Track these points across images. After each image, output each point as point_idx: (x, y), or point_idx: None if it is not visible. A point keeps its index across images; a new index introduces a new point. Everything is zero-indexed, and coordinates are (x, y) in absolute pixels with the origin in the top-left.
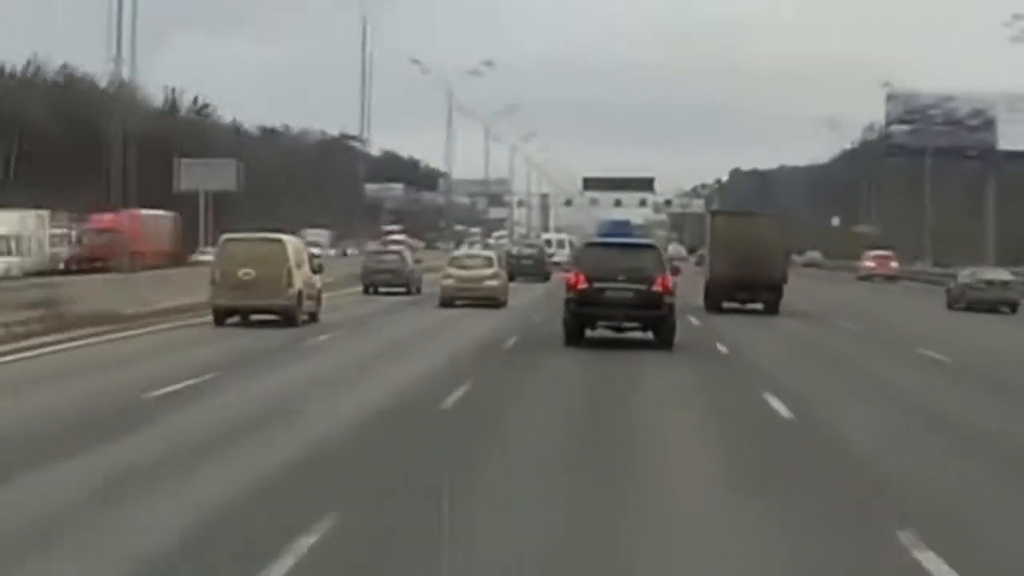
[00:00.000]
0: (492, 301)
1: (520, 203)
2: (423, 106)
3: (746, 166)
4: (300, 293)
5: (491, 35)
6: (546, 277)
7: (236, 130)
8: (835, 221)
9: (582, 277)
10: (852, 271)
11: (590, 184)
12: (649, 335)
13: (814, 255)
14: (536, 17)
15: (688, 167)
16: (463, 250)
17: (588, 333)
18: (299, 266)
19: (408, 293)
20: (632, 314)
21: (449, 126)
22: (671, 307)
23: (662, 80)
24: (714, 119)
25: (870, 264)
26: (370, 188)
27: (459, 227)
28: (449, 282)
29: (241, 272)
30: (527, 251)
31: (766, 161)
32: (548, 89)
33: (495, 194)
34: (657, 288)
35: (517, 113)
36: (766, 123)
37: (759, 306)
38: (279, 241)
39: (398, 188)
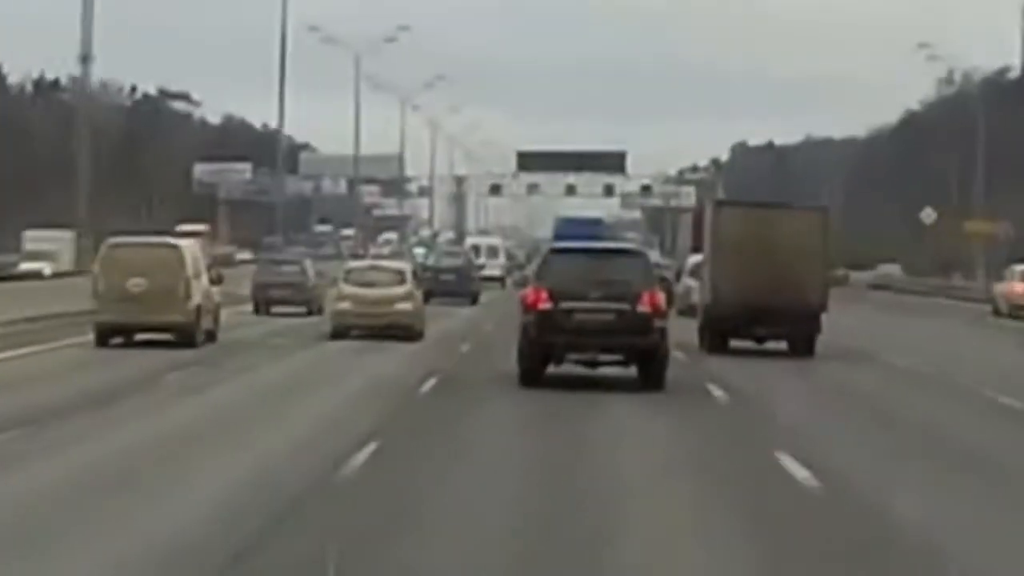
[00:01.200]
0: (404, 331)
1: (421, 191)
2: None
3: (755, 140)
4: (199, 308)
5: None
6: (474, 298)
7: None
8: (928, 216)
9: (543, 294)
10: (957, 296)
11: (528, 162)
12: (632, 371)
13: (889, 271)
14: None
15: (672, 145)
16: (360, 262)
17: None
18: (197, 276)
19: (309, 313)
20: (611, 342)
21: (282, 55)
22: (662, 333)
23: (636, 29)
24: (708, 81)
25: (1021, 289)
26: (203, 169)
27: (322, 227)
28: (344, 305)
29: (130, 283)
30: (448, 262)
31: (782, 134)
32: (476, 36)
33: (390, 180)
34: (644, 308)
35: (404, 37)
36: (778, 87)
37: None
38: (174, 247)
39: (243, 168)
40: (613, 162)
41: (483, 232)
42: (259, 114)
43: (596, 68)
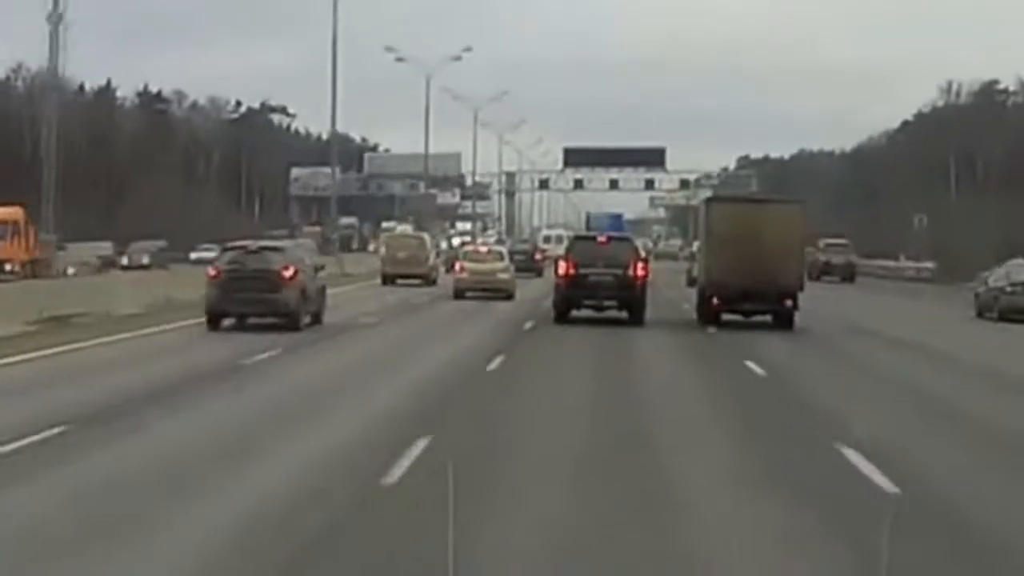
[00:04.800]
0: (502, 293)
1: (464, 190)
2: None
3: (755, 154)
4: (432, 267)
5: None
6: (539, 272)
7: (108, 98)
8: None
9: (570, 265)
10: None
11: (574, 157)
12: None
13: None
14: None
15: (689, 160)
16: (473, 245)
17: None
18: (431, 251)
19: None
20: (612, 294)
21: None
22: (643, 289)
23: (654, 78)
24: (714, 119)
25: None
26: (298, 172)
27: (346, 219)
28: (464, 275)
29: (399, 254)
30: (520, 247)
31: (777, 151)
32: (533, 86)
33: (442, 177)
34: (632, 273)
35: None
36: (770, 120)
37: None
38: (419, 237)
39: (330, 171)
40: (654, 157)
41: (551, 227)
42: (358, 130)
43: (632, 104)
